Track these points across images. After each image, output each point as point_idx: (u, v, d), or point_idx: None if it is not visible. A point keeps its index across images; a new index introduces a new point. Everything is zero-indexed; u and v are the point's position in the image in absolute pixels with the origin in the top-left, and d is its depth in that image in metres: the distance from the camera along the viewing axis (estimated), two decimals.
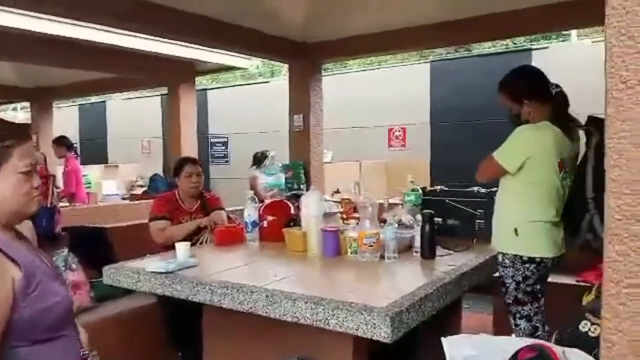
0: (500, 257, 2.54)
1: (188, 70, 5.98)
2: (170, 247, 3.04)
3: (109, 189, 7.54)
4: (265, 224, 3.01)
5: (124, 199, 7.79)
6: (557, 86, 2.53)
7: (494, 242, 2.62)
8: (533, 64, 6.24)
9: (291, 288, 1.97)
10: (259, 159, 6.18)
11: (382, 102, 7.13)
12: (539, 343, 1.28)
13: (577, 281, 3.51)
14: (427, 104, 6.93)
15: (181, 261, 2.41)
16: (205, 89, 9.15)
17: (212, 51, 5.40)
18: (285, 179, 4.65)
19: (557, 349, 1.25)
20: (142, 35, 4.66)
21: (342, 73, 8.48)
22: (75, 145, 6.39)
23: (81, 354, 1.38)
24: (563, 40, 6.94)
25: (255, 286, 1.99)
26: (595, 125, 2.35)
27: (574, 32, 6.68)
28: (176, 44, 5.10)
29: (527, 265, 2.46)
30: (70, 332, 1.37)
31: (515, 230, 2.45)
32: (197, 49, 5.27)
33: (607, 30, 0.87)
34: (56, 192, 3.77)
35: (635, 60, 0.85)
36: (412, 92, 6.95)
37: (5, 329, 1.19)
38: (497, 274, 2.63)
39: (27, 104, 8.81)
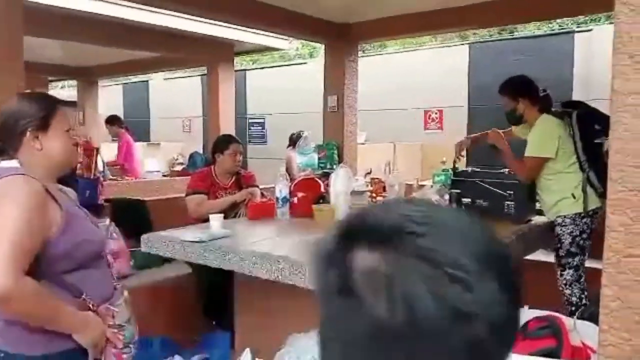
0: (560, 220, 3.02)
1: (227, 51, 6.07)
2: (206, 220, 3.19)
3: (150, 166, 7.77)
4: (295, 200, 3.10)
5: (164, 175, 8.02)
6: (544, 90, 3.18)
7: (551, 211, 3.08)
8: (575, 46, 6.07)
9: None
10: (295, 140, 6.27)
11: (419, 84, 7.06)
12: (549, 314, 1.31)
13: None
14: (465, 86, 6.84)
15: (214, 232, 2.53)
16: (244, 70, 9.28)
17: (250, 31, 5.48)
18: (319, 159, 4.70)
19: (568, 321, 1.28)
20: (182, 14, 4.78)
21: (379, 54, 8.43)
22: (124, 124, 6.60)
23: (113, 283, 1.68)
24: (610, 23, 6.67)
25: (282, 256, 2.08)
26: (572, 105, 3.20)
27: None
28: (215, 24, 5.19)
29: (585, 219, 2.98)
30: (103, 265, 1.66)
31: (572, 194, 2.99)
32: (236, 29, 5.35)
33: (616, 5, 0.88)
34: (100, 165, 3.95)
35: None
36: (450, 74, 6.85)
37: (47, 256, 1.45)
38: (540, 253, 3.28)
39: (73, 82, 9.14)
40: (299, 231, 2.76)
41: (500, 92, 3.26)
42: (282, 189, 3.07)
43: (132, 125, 10.09)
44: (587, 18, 7.01)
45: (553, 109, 3.19)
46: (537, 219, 3.20)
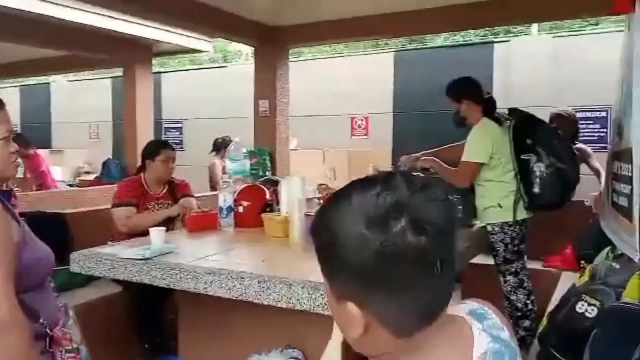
0: (490, 228, 3.05)
1: (145, 51, 5.72)
2: (136, 235, 2.89)
3: (54, 175, 7.14)
4: (240, 209, 2.90)
5: (70, 185, 7.42)
6: (488, 93, 3.21)
7: (481, 218, 3.10)
8: (495, 56, 6.38)
9: (283, 273, 1.88)
10: (219, 146, 6.01)
11: (346, 91, 7.08)
12: None
13: (544, 266, 3.63)
14: (390, 93, 6.94)
15: (158, 247, 2.28)
16: (159, 72, 8.82)
17: (171, 32, 5.18)
18: (250, 165, 4.51)
19: None
20: (97, 10, 4.40)
21: (304, 60, 8.36)
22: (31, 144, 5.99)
23: (58, 304, 1.52)
24: (525, 34, 7.10)
25: (245, 272, 1.90)
26: (513, 114, 3.14)
27: (534, 27, 6.86)
28: (133, 22, 4.84)
29: (513, 227, 2.99)
30: (49, 284, 1.51)
31: (499, 204, 3.00)
32: (156, 28, 5.04)
33: None
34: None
35: None
36: (376, 81, 6.93)
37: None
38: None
39: None
40: (252, 243, 2.57)
41: (446, 93, 3.20)
42: (226, 198, 2.86)
43: (31, 130, 9.29)
44: (505, 28, 7.38)
45: (498, 114, 3.17)
46: (478, 224, 3.21)
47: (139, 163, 3.60)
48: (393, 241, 0.62)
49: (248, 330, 2.23)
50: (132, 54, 5.58)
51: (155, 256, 2.17)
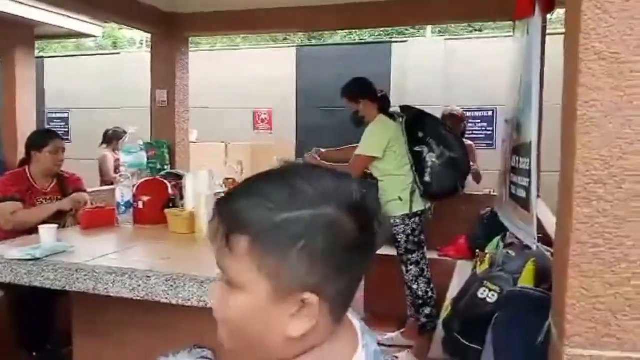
0: (392, 221, 3.15)
1: (26, 33, 5.20)
2: (21, 233, 2.66)
3: None
4: (140, 205, 2.74)
5: None
6: (382, 91, 3.38)
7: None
8: (393, 55, 6.63)
9: (192, 271, 1.80)
10: (110, 137, 5.65)
11: (248, 84, 6.97)
12: None
13: (439, 256, 3.83)
14: (294, 88, 6.95)
15: (49, 246, 2.08)
16: (41, 57, 8.09)
17: (56, 13, 4.77)
18: (148, 158, 4.27)
19: None
20: None
21: (207, 50, 8.11)
22: None
23: None
24: (419, 36, 7.44)
25: (152, 270, 1.79)
26: (405, 110, 3.35)
27: (429, 29, 7.23)
28: (13, 0, 4.39)
29: (413, 219, 3.15)
30: None
31: (399, 197, 3.15)
32: (40, 8, 4.61)
33: (584, 3, 0.90)
34: None
35: (609, 32, 0.90)
36: (279, 75, 6.91)
37: None
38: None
39: None
40: (154, 240, 2.43)
41: (342, 95, 3.32)
42: (124, 193, 2.68)
43: None
44: (398, 29, 7.67)
45: (392, 111, 3.35)
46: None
47: (20, 156, 3.29)
48: (360, 224, 0.66)
49: (154, 332, 2.11)
50: (12, 36, 5.06)
51: (47, 256, 1.98)
